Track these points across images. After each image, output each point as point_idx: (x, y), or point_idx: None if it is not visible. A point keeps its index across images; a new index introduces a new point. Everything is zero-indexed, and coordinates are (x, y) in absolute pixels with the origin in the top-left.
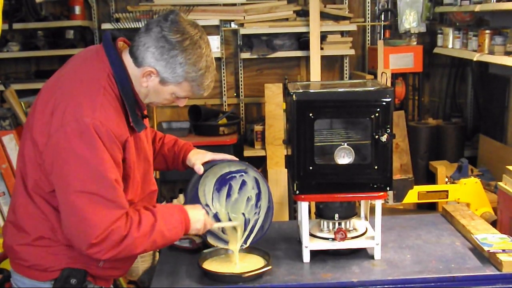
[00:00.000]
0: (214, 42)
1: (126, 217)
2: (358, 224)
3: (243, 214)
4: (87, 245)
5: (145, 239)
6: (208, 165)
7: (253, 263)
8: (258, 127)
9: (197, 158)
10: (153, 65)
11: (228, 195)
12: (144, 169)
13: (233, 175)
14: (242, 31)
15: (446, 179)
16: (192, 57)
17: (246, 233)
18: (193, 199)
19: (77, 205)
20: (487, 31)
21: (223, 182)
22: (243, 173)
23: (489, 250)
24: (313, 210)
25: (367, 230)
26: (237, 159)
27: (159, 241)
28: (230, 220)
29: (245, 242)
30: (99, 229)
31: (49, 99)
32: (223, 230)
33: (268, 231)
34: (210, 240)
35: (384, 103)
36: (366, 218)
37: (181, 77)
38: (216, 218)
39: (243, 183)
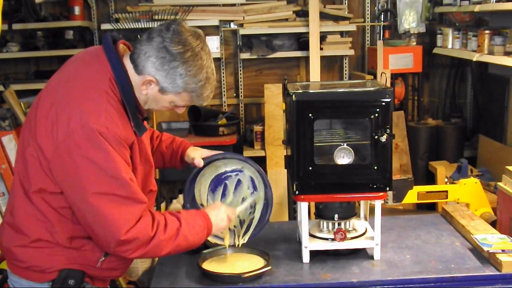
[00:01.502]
0: (214, 43)
1: (153, 218)
2: (357, 224)
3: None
4: (116, 243)
5: (170, 242)
6: (206, 160)
7: (253, 263)
8: (257, 128)
9: (196, 153)
10: (153, 74)
11: (223, 194)
12: (144, 170)
13: (229, 174)
14: (242, 31)
15: (446, 180)
16: (192, 68)
17: (243, 230)
18: (192, 199)
19: (97, 207)
20: (487, 32)
21: (218, 182)
22: (238, 172)
23: (488, 251)
24: (313, 210)
25: (366, 230)
26: (235, 154)
27: (183, 245)
28: None
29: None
30: (125, 227)
31: (51, 104)
32: None
33: (265, 227)
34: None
35: (383, 104)
36: (365, 219)
37: (181, 88)
38: None
39: (238, 183)
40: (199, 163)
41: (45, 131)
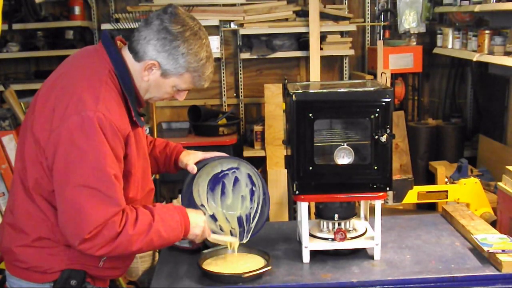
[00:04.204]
0: (214, 43)
1: (122, 214)
2: (357, 224)
3: (240, 214)
4: (80, 240)
5: (140, 237)
6: (200, 164)
7: (253, 263)
8: (257, 128)
9: (189, 159)
10: (154, 57)
11: (223, 192)
12: (143, 166)
13: (226, 172)
14: (242, 31)
15: (446, 179)
16: (193, 47)
17: (236, 233)
18: (189, 201)
19: (74, 199)
20: (487, 31)
21: (216, 181)
22: (235, 170)
23: (488, 250)
24: (313, 210)
25: (366, 230)
26: (228, 155)
27: (156, 240)
28: (226, 219)
29: (242, 238)
30: (92, 225)
31: (49, 96)
32: (220, 227)
33: (265, 224)
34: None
35: (383, 104)
36: (365, 219)
37: (183, 68)
38: (213, 218)
39: (236, 180)
40: (192, 169)
41: (42, 121)
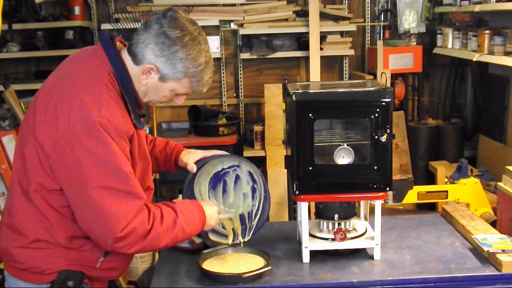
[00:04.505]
0: (214, 43)
1: (148, 211)
2: (357, 224)
3: (242, 212)
4: (113, 240)
5: (167, 234)
6: (200, 163)
7: (253, 263)
8: (257, 128)
9: (189, 158)
10: (153, 61)
11: (224, 191)
12: (143, 167)
13: (226, 171)
14: (242, 31)
15: (446, 179)
16: (192, 52)
17: (238, 231)
18: (190, 199)
19: (97, 201)
20: (487, 31)
21: (217, 179)
22: (236, 168)
23: (488, 250)
24: (313, 210)
25: (366, 230)
26: (228, 153)
27: (180, 236)
28: (229, 218)
29: (244, 236)
30: (123, 223)
31: (50, 99)
32: (223, 226)
33: (266, 222)
34: (212, 236)
35: (383, 104)
36: (365, 219)
37: (181, 73)
38: None
39: (237, 178)
40: (192, 169)
41: (45, 126)
